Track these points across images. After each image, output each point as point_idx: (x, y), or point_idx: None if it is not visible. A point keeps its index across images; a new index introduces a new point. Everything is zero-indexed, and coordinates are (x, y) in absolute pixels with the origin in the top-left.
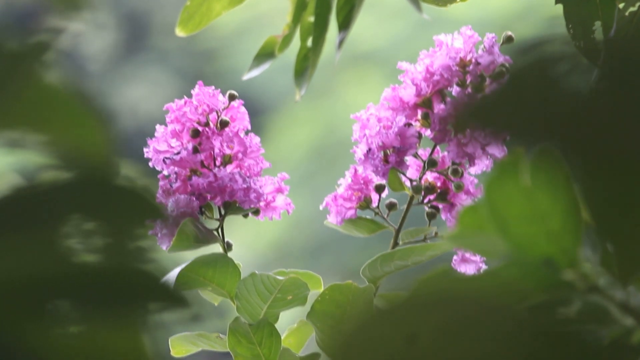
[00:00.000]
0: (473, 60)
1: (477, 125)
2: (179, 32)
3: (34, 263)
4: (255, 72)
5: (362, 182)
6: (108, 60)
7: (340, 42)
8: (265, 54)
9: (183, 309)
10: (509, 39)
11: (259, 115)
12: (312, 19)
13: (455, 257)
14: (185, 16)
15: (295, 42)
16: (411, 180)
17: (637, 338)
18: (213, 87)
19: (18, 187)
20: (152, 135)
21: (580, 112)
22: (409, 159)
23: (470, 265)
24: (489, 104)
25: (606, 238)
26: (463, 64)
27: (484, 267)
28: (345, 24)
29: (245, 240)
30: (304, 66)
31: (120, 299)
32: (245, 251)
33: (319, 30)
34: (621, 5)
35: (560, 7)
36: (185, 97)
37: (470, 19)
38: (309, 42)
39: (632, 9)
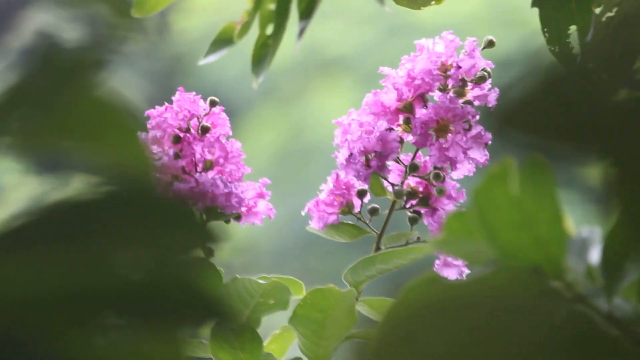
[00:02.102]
0: (454, 64)
1: (515, 130)
2: (135, 14)
3: (81, 275)
4: (212, 58)
5: (344, 187)
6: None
7: (301, 31)
8: (223, 40)
9: (227, 322)
10: (490, 43)
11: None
12: (272, 6)
13: (437, 261)
14: (140, 2)
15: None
16: (393, 185)
17: (620, 348)
18: (194, 93)
19: (67, 199)
20: None
21: (620, 123)
22: (390, 164)
23: (452, 269)
24: (524, 112)
25: (635, 252)
26: (444, 68)
27: (466, 271)
28: (306, 13)
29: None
30: (263, 54)
31: (162, 312)
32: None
33: (280, 17)
34: (597, 11)
35: (531, 12)
36: (165, 103)
37: (438, 25)
38: (268, 30)
39: (609, 14)
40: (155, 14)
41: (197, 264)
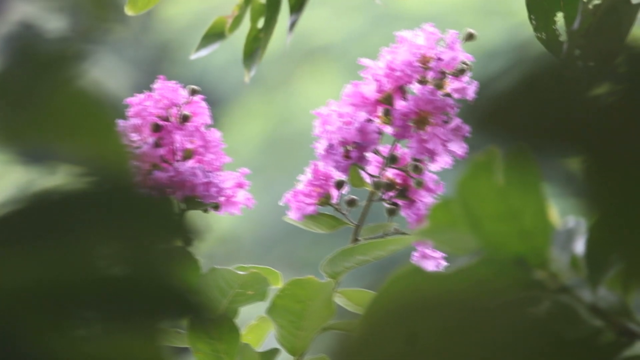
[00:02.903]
0: (435, 56)
1: (494, 128)
2: (128, 11)
3: (57, 270)
4: (203, 52)
5: (322, 178)
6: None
7: (292, 25)
8: (214, 34)
9: (203, 319)
10: (470, 36)
11: (214, 108)
12: (263, 0)
13: (415, 253)
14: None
15: (245, 28)
16: (372, 177)
17: (605, 339)
18: (175, 82)
19: (44, 194)
20: None
21: (600, 118)
22: (369, 155)
23: (430, 261)
24: (506, 107)
25: (616, 246)
26: (424, 60)
27: (443, 263)
28: (297, 7)
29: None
30: (254, 47)
31: (141, 309)
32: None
33: (271, 11)
34: None
35: (518, 2)
36: (145, 90)
37: (426, 15)
38: (260, 24)
39: (595, 1)
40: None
41: (174, 255)
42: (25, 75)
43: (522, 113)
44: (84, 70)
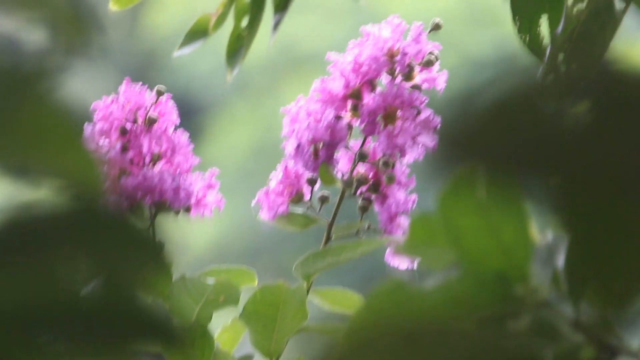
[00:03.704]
0: (401, 49)
1: (463, 155)
2: (113, 7)
3: (26, 294)
4: (186, 50)
5: (293, 176)
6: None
7: (276, 24)
8: (198, 32)
9: (176, 343)
10: (436, 26)
11: (200, 115)
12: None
13: (388, 250)
14: None
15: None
16: (342, 174)
17: (586, 355)
18: (140, 83)
19: (12, 217)
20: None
21: (571, 144)
22: (340, 152)
23: (402, 259)
24: (476, 134)
25: (592, 263)
26: (391, 54)
27: (415, 263)
28: (281, 6)
29: (183, 240)
30: (237, 46)
31: (111, 331)
32: (183, 252)
33: (255, 10)
34: (570, 2)
35: (506, 12)
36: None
37: (408, 22)
38: (244, 22)
39: (579, 5)
40: (126, 10)
41: (144, 270)
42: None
43: (493, 137)
44: (54, 85)
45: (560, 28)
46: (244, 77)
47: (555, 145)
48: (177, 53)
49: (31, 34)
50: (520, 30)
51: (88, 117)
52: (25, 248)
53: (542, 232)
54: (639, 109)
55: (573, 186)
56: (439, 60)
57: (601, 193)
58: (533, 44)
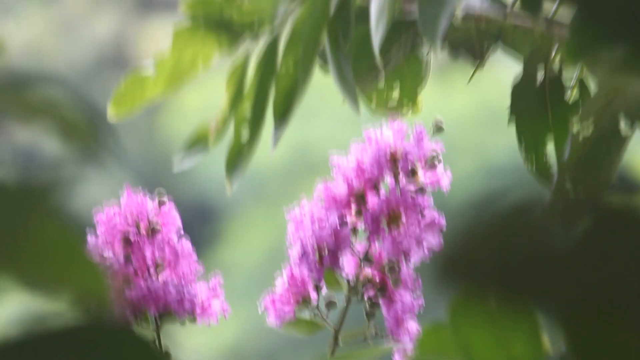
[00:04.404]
0: (403, 151)
1: (454, 278)
2: (111, 117)
3: None
4: (187, 164)
5: (299, 282)
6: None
7: (276, 139)
8: (197, 145)
9: None
10: (439, 128)
11: (217, 219)
12: (247, 112)
13: (395, 357)
14: (118, 101)
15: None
16: (349, 278)
17: None
18: (142, 193)
19: (27, 329)
20: None
21: (563, 268)
22: (345, 255)
23: None
24: (467, 256)
25: None
26: (393, 157)
27: None
28: (281, 120)
29: (200, 345)
30: (237, 160)
31: None
32: (200, 357)
33: (254, 124)
34: (575, 130)
35: None
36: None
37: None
38: (243, 137)
39: (585, 133)
40: (143, 116)
41: None
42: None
43: (484, 261)
44: (64, 198)
45: (565, 155)
46: (260, 181)
47: (547, 265)
48: (177, 167)
49: (47, 146)
50: (526, 153)
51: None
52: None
53: (555, 343)
54: (627, 237)
55: (572, 310)
56: (442, 161)
57: (594, 315)
58: (539, 168)
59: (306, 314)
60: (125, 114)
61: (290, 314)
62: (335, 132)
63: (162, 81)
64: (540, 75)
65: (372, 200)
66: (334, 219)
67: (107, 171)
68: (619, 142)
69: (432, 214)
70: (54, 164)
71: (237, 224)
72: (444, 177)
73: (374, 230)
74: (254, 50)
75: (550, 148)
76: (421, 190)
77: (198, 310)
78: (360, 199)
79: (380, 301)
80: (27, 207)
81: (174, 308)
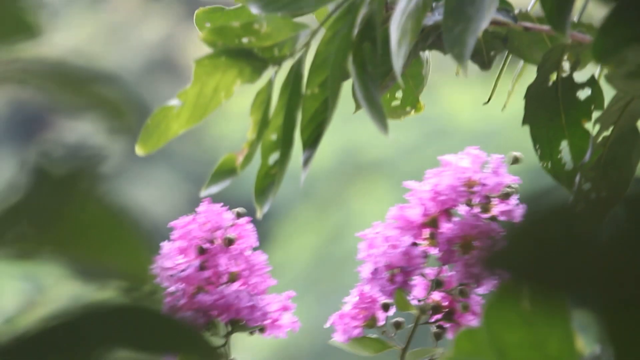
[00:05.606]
0: (479, 181)
1: (496, 272)
2: (139, 151)
3: None
4: (214, 189)
5: (368, 300)
6: (118, 162)
7: (306, 161)
8: (225, 171)
9: None
10: (515, 160)
11: (267, 220)
12: (274, 136)
13: None
14: (145, 135)
15: None
16: (418, 300)
17: None
18: (221, 204)
19: (63, 313)
20: (159, 240)
21: (601, 261)
22: (415, 278)
23: None
24: (508, 252)
25: None
26: (469, 185)
27: None
28: (310, 142)
29: (251, 345)
30: (265, 184)
31: None
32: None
33: (284, 147)
34: (595, 130)
35: None
36: (191, 213)
37: (477, 131)
38: (271, 160)
39: (604, 133)
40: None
41: None
42: (42, 196)
43: (525, 254)
44: (109, 186)
45: (587, 157)
46: (310, 183)
47: (589, 260)
48: (204, 193)
49: (97, 141)
50: (541, 158)
51: (149, 220)
52: (77, 343)
53: (590, 344)
54: None
55: (610, 301)
56: (517, 194)
57: (632, 308)
58: (556, 171)
59: (373, 335)
60: (152, 148)
61: (357, 332)
62: (381, 134)
63: (186, 112)
64: (552, 78)
65: (445, 225)
66: (407, 239)
67: (157, 171)
68: (638, 140)
69: (504, 242)
70: (102, 158)
71: (286, 224)
72: (517, 210)
73: (447, 254)
74: (277, 73)
75: (565, 149)
76: (494, 219)
77: (268, 322)
78: (434, 224)
79: (448, 325)
80: (72, 192)
81: (245, 317)
